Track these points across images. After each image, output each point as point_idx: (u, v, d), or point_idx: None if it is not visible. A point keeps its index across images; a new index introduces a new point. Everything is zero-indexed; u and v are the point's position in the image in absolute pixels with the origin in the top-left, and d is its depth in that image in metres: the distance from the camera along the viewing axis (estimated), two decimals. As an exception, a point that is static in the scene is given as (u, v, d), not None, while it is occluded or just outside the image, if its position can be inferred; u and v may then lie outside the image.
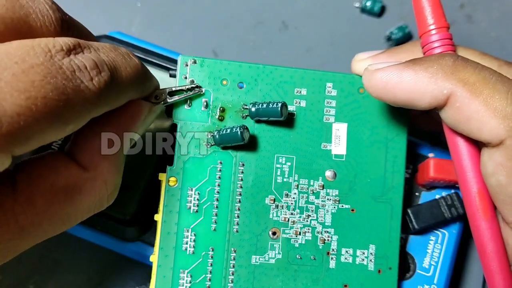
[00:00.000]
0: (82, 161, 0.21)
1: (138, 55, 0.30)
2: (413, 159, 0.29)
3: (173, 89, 0.25)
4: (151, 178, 0.28)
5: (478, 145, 0.23)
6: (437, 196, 0.28)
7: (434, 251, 0.28)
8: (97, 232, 0.29)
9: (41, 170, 0.20)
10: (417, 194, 0.29)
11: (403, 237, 0.28)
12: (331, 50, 0.37)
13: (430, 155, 0.29)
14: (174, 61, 0.30)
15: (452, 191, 0.28)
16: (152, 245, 0.27)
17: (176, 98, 0.25)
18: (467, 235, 0.30)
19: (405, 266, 0.28)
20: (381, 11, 0.37)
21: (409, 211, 0.27)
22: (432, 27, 0.24)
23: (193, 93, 0.25)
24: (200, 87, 0.25)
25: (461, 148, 0.23)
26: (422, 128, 0.29)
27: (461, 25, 0.37)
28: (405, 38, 0.36)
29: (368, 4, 0.37)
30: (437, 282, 0.28)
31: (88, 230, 0.29)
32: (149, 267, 0.26)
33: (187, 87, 0.25)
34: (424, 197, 0.29)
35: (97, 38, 0.30)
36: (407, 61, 0.23)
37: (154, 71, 0.30)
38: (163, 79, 0.29)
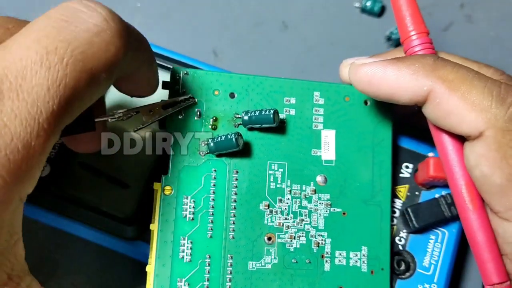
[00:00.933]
0: None
1: None
2: (413, 159, 0.30)
3: (167, 101, 0.26)
4: (151, 177, 0.28)
5: (461, 139, 0.24)
6: (437, 195, 0.28)
7: (434, 250, 0.29)
8: (97, 231, 0.28)
9: None
10: (417, 193, 0.29)
11: (403, 236, 0.29)
12: (331, 50, 0.37)
13: (430, 154, 0.30)
14: (174, 61, 0.31)
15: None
16: None
17: (170, 110, 0.26)
18: None
19: (405, 265, 0.28)
20: (381, 11, 0.37)
21: (409, 210, 0.28)
22: (412, 32, 0.26)
23: (186, 103, 0.26)
24: (192, 97, 0.26)
25: (446, 143, 0.24)
26: (423, 124, 0.30)
27: (461, 25, 0.37)
28: None
29: (368, 4, 0.37)
30: (437, 281, 0.28)
31: (88, 230, 0.28)
32: None
33: (180, 98, 0.26)
34: (424, 196, 0.29)
35: None
36: (391, 59, 0.25)
37: None
38: (163, 79, 0.30)
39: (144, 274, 0.31)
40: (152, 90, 0.25)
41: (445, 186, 0.29)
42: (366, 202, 0.27)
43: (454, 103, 0.23)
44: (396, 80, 0.24)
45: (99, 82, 0.19)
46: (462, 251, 0.32)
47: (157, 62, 0.30)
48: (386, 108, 0.28)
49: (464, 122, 0.23)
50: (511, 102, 0.22)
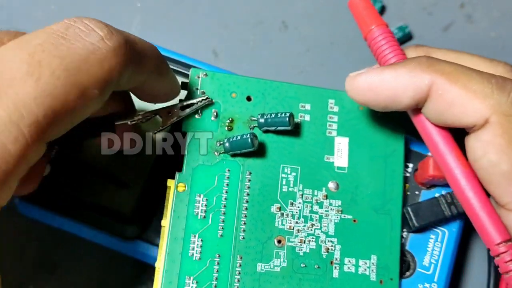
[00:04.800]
0: None
1: None
2: (413, 158, 0.30)
3: (185, 103, 0.26)
4: (150, 176, 0.28)
5: (453, 136, 0.25)
6: (437, 194, 0.28)
7: (434, 249, 0.29)
8: (96, 231, 0.28)
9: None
10: (416, 192, 0.29)
11: (403, 235, 0.29)
12: (331, 50, 0.37)
13: (430, 153, 0.30)
14: (174, 61, 0.31)
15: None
16: (152, 243, 0.27)
17: (188, 111, 0.26)
18: (467, 233, 0.30)
19: (405, 264, 0.28)
20: (381, 11, 0.37)
21: (408, 209, 0.28)
22: (372, 26, 0.27)
23: (203, 103, 0.26)
24: (209, 98, 0.27)
25: (440, 138, 0.25)
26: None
27: (461, 25, 0.37)
28: (405, 38, 0.36)
29: None
30: (438, 280, 0.28)
31: (88, 229, 0.28)
32: (149, 266, 0.26)
33: (197, 100, 0.26)
34: (424, 195, 0.29)
35: None
36: (385, 66, 0.25)
37: None
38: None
39: (144, 274, 0.31)
40: (171, 97, 0.25)
41: (445, 185, 0.29)
42: (376, 211, 0.27)
43: (456, 93, 0.23)
44: (395, 80, 0.24)
45: (91, 98, 0.19)
46: (462, 251, 0.32)
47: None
48: (398, 119, 0.28)
49: (468, 111, 0.23)
50: (511, 88, 0.23)
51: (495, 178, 0.23)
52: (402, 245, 0.28)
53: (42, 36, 0.19)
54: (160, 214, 0.28)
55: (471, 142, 0.24)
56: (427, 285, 0.28)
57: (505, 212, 0.24)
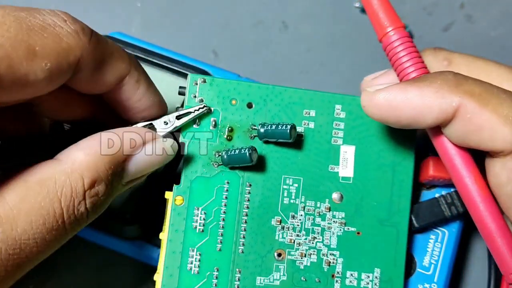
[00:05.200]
0: (61, 157, 0.21)
1: (138, 55, 0.31)
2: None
3: (181, 112, 0.25)
4: (150, 176, 0.28)
5: (473, 158, 0.24)
6: (437, 195, 0.28)
7: (434, 250, 0.28)
8: (96, 231, 0.29)
9: (16, 172, 0.20)
10: (417, 192, 0.29)
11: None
12: (331, 50, 0.36)
13: (430, 153, 0.29)
14: (174, 61, 0.31)
15: (452, 189, 0.28)
16: (152, 243, 0.27)
17: (184, 120, 0.25)
18: (467, 233, 0.30)
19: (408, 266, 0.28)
20: None
21: None
22: (389, 28, 0.25)
23: (201, 112, 0.25)
24: (207, 106, 0.25)
25: (461, 162, 0.24)
26: None
27: (461, 25, 0.36)
28: None
29: None
30: (437, 280, 0.28)
31: (88, 229, 0.29)
32: (149, 266, 0.26)
33: (194, 108, 0.25)
34: (424, 195, 0.29)
35: None
36: (407, 81, 0.23)
37: (154, 71, 0.30)
38: (163, 79, 0.30)
39: (144, 274, 0.31)
40: (154, 112, 0.25)
41: (445, 185, 0.28)
42: (382, 223, 0.26)
43: (486, 117, 0.21)
44: (420, 100, 0.22)
45: (40, 67, 0.19)
46: (462, 251, 0.32)
47: (157, 62, 0.30)
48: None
49: (497, 137, 0.22)
50: None
51: None
52: (408, 258, 0.27)
53: (4, 6, 0.19)
54: (159, 215, 0.27)
55: (496, 167, 0.23)
56: (427, 285, 0.28)
57: None
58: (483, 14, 0.36)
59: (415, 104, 0.22)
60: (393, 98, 0.23)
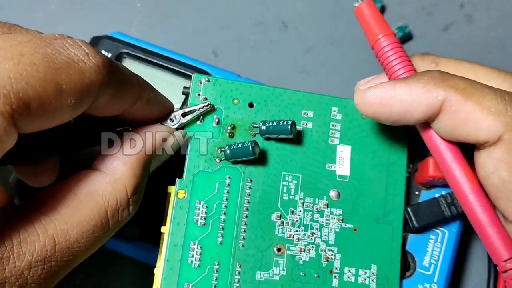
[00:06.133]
0: (102, 168, 0.23)
1: (138, 55, 0.31)
2: (413, 158, 0.30)
3: (186, 110, 0.26)
4: (150, 176, 0.28)
5: (463, 153, 0.25)
6: (437, 195, 0.28)
7: (434, 250, 0.29)
8: None
9: (63, 183, 0.22)
10: (416, 193, 0.29)
11: (403, 235, 0.28)
12: (331, 50, 0.37)
13: (430, 154, 0.30)
14: (174, 61, 0.31)
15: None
16: (153, 244, 0.27)
17: (189, 117, 0.26)
18: (467, 233, 0.30)
19: (405, 264, 0.28)
20: (381, 11, 0.37)
21: (408, 209, 0.28)
22: (380, 35, 0.27)
23: (205, 110, 0.26)
24: (211, 104, 0.26)
25: (450, 154, 0.25)
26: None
27: (461, 25, 0.37)
28: (405, 37, 0.36)
29: None
30: (437, 280, 0.28)
31: None
32: (149, 266, 0.26)
33: (198, 106, 0.26)
34: (424, 195, 0.29)
35: (98, 39, 0.31)
36: (396, 79, 0.25)
37: (154, 71, 0.31)
38: (163, 79, 0.31)
39: (143, 274, 0.31)
40: (165, 113, 0.26)
41: (445, 185, 0.29)
42: (377, 220, 0.27)
43: (470, 109, 0.23)
44: (408, 95, 0.24)
45: (66, 104, 0.20)
46: (462, 251, 0.32)
47: (157, 62, 0.31)
48: (402, 128, 0.28)
49: (482, 127, 0.23)
50: None
51: (505, 194, 0.23)
52: (404, 256, 0.28)
53: (28, 36, 0.20)
54: (160, 214, 0.28)
55: (482, 158, 0.24)
56: (427, 285, 0.28)
57: None
58: (483, 14, 0.37)
59: (404, 99, 0.24)
60: (383, 94, 0.24)
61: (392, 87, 0.24)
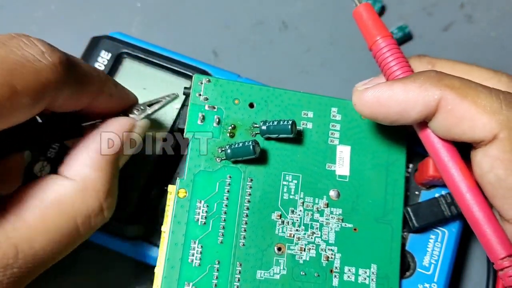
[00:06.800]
0: (71, 175, 0.23)
1: (138, 55, 0.31)
2: (413, 158, 0.30)
3: (152, 101, 0.27)
4: (150, 176, 0.28)
5: (459, 152, 0.25)
6: (437, 195, 0.29)
7: (434, 250, 0.29)
8: (97, 231, 0.28)
9: (29, 189, 0.22)
10: (416, 192, 0.29)
11: (403, 235, 0.28)
12: (331, 50, 0.37)
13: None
14: (174, 61, 0.31)
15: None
16: (153, 243, 0.27)
17: (156, 106, 0.27)
18: (467, 233, 0.30)
19: (405, 264, 0.28)
20: (381, 11, 0.37)
21: (408, 209, 0.28)
22: (378, 37, 0.27)
23: (169, 100, 0.27)
24: (174, 93, 0.27)
25: (446, 154, 0.25)
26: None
27: (461, 25, 0.37)
28: (405, 37, 0.37)
29: None
30: (437, 280, 0.28)
31: None
32: (149, 266, 0.26)
33: (163, 96, 0.27)
34: (424, 195, 0.29)
35: (98, 39, 0.31)
36: (393, 79, 0.25)
37: (154, 71, 0.31)
38: (163, 79, 0.31)
39: (144, 274, 0.31)
40: (126, 107, 0.27)
41: (445, 185, 0.28)
42: (377, 220, 0.27)
43: (466, 108, 0.23)
44: (405, 94, 0.24)
45: (22, 104, 0.20)
46: (462, 251, 0.32)
47: (157, 62, 0.31)
48: (400, 129, 0.28)
49: (477, 126, 0.23)
50: None
51: (501, 192, 0.23)
52: (403, 256, 0.28)
53: None
54: (160, 214, 0.28)
55: (478, 156, 0.24)
56: (427, 285, 0.28)
57: (510, 227, 0.24)
58: (483, 14, 0.37)
59: (400, 99, 0.24)
60: (381, 94, 0.24)
61: (389, 87, 0.24)
